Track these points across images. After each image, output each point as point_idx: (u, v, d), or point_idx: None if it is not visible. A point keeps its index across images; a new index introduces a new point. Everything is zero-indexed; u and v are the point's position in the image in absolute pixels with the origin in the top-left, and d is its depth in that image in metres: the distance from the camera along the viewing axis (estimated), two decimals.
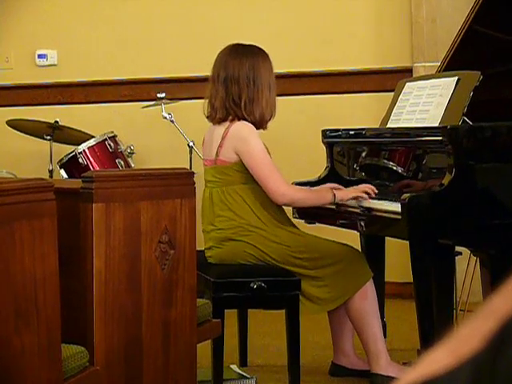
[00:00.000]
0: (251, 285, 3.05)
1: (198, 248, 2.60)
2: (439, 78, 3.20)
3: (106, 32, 5.27)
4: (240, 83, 3.20)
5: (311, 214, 3.43)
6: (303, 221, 3.54)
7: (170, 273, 2.33)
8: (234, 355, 3.57)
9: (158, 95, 4.50)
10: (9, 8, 5.37)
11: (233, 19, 5.10)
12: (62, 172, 4.52)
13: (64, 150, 4.71)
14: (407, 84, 3.41)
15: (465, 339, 0.47)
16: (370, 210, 3.03)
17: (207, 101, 3.31)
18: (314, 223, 3.53)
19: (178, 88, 5.09)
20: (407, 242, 2.75)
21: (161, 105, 4.50)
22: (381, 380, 3.12)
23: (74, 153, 4.48)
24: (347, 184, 3.32)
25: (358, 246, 3.49)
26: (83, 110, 5.29)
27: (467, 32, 3.25)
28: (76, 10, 5.30)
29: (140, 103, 4.92)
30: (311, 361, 3.55)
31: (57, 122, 4.68)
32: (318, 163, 3.81)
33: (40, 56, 5.35)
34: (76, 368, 2.04)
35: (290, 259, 3.12)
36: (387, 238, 3.54)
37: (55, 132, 4.70)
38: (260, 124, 3.23)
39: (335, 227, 3.37)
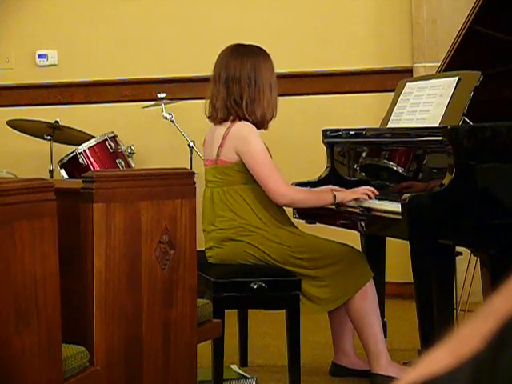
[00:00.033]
0: (251, 285, 3.05)
1: (199, 248, 2.60)
2: (439, 78, 3.20)
3: (106, 32, 5.27)
4: (241, 83, 3.20)
5: (311, 214, 3.43)
6: (303, 221, 3.54)
7: (170, 273, 2.33)
8: (234, 355, 3.57)
9: (159, 95, 4.50)
10: (9, 8, 5.37)
11: (233, 19, 5.10)
12: (63, 172, 4.52)
13: (64, 150, 4.71)
14: (407, 84, 3.41)
15: (465, 339, 0.47)
16: (370, 210, 3.03)
17: (208, 101, 3.31)
18: (315, 223, 3.53)
19: (178, 88, 5.09)
20: (407, 242, 2.74)
21: (161, 105, 4.50)
22: (381, 380, 3.12)
23: (74, 153, 4.48)
24: (347, 184, 3.32)
25: (358, 246, 3.49)
26: (83, 110, 5.29)
27: (467, 32, 3.25)
28: (76, 10, 5.30)
29: (140, 103, 4.92)
30: (311, 361, 3.55)
31: (57, 122, 4.68)
32: (319, 163, 3.81)
33: (40, 56, 5.35)
34: (76, 368, 2.04)
35: (290, 259, 3.12)
36: (387, 238, 3.54)
37: (55, 132, 4.70)
38: (261, 124, 3.23)
39: (335, 227, 3.37)
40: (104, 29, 5.27)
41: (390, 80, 4.61)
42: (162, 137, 5.10)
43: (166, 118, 4.44)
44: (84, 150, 4.46)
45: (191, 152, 4.51)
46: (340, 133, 3.58)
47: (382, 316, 3.41)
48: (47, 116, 4.85)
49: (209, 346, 3.03)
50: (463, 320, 3.42)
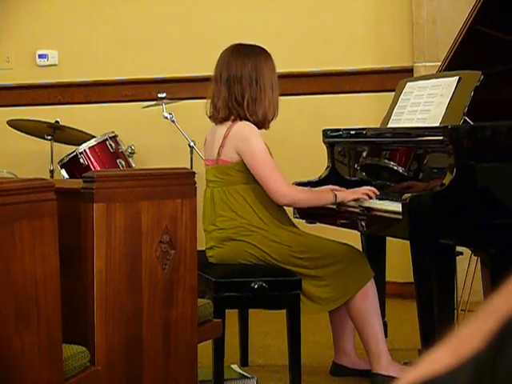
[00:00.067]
0: (252, 285, 3.05)
1: (199, 248, 2.60)
2: (440, 77, 3.20)
3: (106, 32, 5.27)
4: (243, 83, 3.20)
5: (312, 213, 3.43)
6: (304, 221, 3.54)
7: (170, 273, 2.33)
8: (234, 355, 3.57)
9: (159, 95, 4.50)
10: (9, 8, 5.37)
11: (233, 19, 5.10)
12: (63, 172, 4.52)
13: (65, 150, 4.71)
14: (408, 84, 3.41)
15: (465, 339, 0.47)
16: (370, 209, 3.03)
17: (209, 101, 3.31)
18: (315, 223, 3.53)
19: (178, 88, 5.09)
20: (408, 242, 2.75)
21: (161, 105, 4.50)
22: (382, 380, 3.12)
23: (74, 153, 4.48)
24: (348, 184, 3.32)
25: (358, 245, 3.49)
26: (84, 110, 5.29)
27: (468, 32, 3.25)
28: (76, 10, 5.30)
29: (141, 103, 4.92)
30: (312, 360, 3.55)
31: (57, 122, 4.68)
32: (319, 163, 3.81)
33: (40, 56, 5.35)
34: (77, 368, 2.04)
35: (290, 259, 3.12)
36: (388, 238, 3.54)
37: (56, 132, 4.70)
38: (262, 124, 3.23)
39: (336, 227, 3.37)
40: (104, 29, 5.27)
41: (390, 80, 4.61)
42: (162, 137, 5.10)
43: (166, 117, 4.44)
44: (84, 150, 4.46)
45: (191, 152, 4.51)
46: (340, 133, 3.58)
47: (383, 316, 3.41)
48: (47, 116, 4.86)
49: (209, 345, 3.03)
50: (464, 320, 3.42)
